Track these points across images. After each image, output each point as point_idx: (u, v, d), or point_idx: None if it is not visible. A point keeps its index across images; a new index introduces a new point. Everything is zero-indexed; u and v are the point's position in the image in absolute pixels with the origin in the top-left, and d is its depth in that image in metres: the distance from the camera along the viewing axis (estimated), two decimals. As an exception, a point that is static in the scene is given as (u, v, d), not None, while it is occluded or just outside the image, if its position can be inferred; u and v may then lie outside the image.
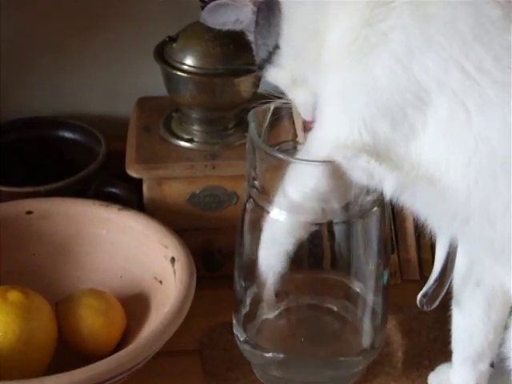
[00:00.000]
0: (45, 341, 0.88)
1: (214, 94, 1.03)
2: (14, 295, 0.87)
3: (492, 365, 0.87)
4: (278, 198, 0.83)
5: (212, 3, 0.83)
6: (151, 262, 0.96)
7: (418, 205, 0.77)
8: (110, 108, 1.24)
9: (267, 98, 0.86)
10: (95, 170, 1.07)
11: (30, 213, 1.00)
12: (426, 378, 0.93)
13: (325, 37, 0.75)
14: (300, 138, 0.89)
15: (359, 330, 0.94)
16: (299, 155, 0.82)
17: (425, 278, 0.88)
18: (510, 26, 0.70)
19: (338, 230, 0.88)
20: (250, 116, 0.87)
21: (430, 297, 0.86)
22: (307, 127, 0.84)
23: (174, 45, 1.04)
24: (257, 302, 0.93)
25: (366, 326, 0.93)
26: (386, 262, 0.92)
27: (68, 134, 1.17)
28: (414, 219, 1.03)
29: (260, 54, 0.81)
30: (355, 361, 0.92)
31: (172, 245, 0.94)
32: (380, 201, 0.86)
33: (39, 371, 0.87)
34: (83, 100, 1.24)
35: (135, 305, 0.95)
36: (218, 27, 0.84)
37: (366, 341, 0.93)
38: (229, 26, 0.83)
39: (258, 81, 1.02)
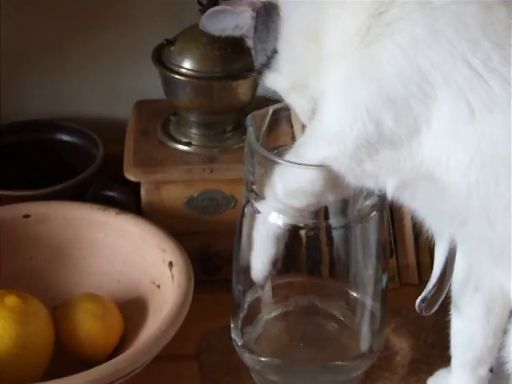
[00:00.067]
0: (42, 345, 0.87)
1: (212, 97, 1.03)
2: (11, 300, 0.87)
3: (491, 370, 0.87)
4: (268, 198, 0.83)
5: (211, 9, 0.83)
6: (149, 267, 0.96)
7: (418, 204, 0.77)
8: (107, 111, 1.24)
9: (266, 101, 0.86)
10: (93, 174, 1.06)
11: (27, 216, 0.99)
12: (425, 383, 0.93)
13: (326, 33, 0.75)
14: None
15: (358, 335, 0.93)
16: (295, 147, 0.81)
17: (423, 282, 0.88)
18: None
19: (336, 234, 0.88)
20: (248, 120, 0.86)
21: (429, 302, 0.85)
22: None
23: (172, 48, 1.04)
24: (255, 306, 0.93)
25: (365, 330, 0.93)
26: (385, 267, 0.92)
27: (65, 137, 1.16)
28: (412, 223, 1.03)
29: (259, 60, 0.81)
30: (353, 365, 0.92)
31: (170, 249, 0.94)
32: (379, 205, 0.86)
33: (36, 376, 0.86)
34: (81, 103, 1.23)
35: (133, 309, 0.95)
36: (217, 34, 0.83)
37: (364, 345, 0.92)
38: (228, 33, 0.83)
39: (256, 84, 1.02)
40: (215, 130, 1.07)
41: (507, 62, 0.69)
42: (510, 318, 0.82)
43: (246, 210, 0.88)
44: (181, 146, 1.06)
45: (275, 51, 0.78)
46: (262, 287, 0.92)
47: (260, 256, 0.85)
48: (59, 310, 0.91)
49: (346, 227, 0.87)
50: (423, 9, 0.71)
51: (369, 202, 0.85)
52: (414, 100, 0.71)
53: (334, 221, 0.87)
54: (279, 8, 0.78)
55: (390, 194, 0.76)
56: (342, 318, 0.95)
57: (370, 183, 0.77)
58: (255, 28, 0.81)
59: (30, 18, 1.17)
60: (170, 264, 0.93)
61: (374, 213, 0.86)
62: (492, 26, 0.70)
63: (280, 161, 0.81)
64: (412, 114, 0.71)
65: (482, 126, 0.69)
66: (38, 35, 1.19)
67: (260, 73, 0.81)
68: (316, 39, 0.76)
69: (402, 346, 0.98)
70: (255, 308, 0.93)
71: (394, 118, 0.72)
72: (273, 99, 0.84)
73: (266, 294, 0.93)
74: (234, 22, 0.81)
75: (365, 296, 0.92)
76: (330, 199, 0.81)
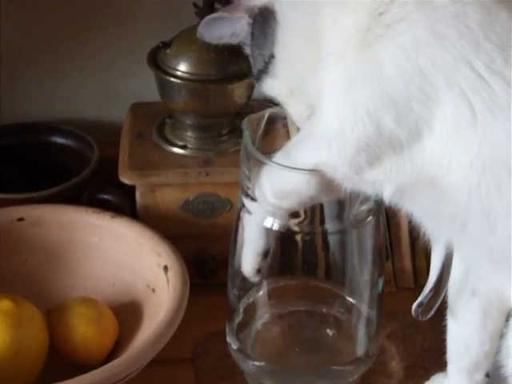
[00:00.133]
0: (36, 350, 0.87)
1: (207, 100, 1.03)
2: (4, 303, 0.86)
3: (487, 375, 0.87)
4: (258, 198, 0.83)
5: (207, 17, 0.82)
6: (144, 270, 0.95)
7: (416, 208, 0.76)
8: (103, 114, 1.23)
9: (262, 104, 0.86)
10: (88, 177, 1.06)
11: (21, 220, 0.99)
12: (421, 388, 0.93)
13: (324, 34, 0.75)
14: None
15: (353, 339, 0.93)
16: (287, 147, 0.80)
17: (419, 286, 0.88)
18: None
19: (332, 239, 0.88)
20: (244, 123, 0.86)
21: (426, 306, 0.85)
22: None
23: (168, 50, 1.04)
24: (250, 310, 0.92)
25: (361, 334, 0.93)
26: (381, 271, 0.91)
27: (60, 140, 1.16)
28: (408, 227, 1.03)
29: (257, 66, 0.81)
30: (349, 370, 0.92)
31: (165, 253, 0.94)
32: (375, 210, 0.86)
33: (30, 381, 0.86)
34: (76, 105, 1.23)
35: (128, 313, 0.94)
36: (214, 42, 0.83)
37: (360, 349, 0.92)
38: (225, 40, 0.83)
39: (252, 87, 1.02)
40: (211, 133, 1.07)
41: (508, 63, 0.69)
42: (506, 322, 0.82)
43: (241, 213, 0.87)
44: (176, 149, 1.05)
45: (272, 56, 0.78)
46: (258, 290, 0.91)
47: (250, 247, 0.85)
48: (54, 313, 0.91)
49: (342, 232, 0.87)
50: (423, 9, 0.71)
51: (365, 207, 0.85)
52: (416, 102, 0.70)
53: (329, 226, 0.86)
54: (276, 13, 0.78)
55: (388, 198, 0.75)
56: (338, 322, 0.94)
57: (366, 188, 0.76)
58: (252, 34, 0.80)
59: (30, 17, 1.17)
60: (165, 268, 0.93)
61: (370, 218, 0.86)
62: (492, 28, 0.70)
63: (276, 164, 0.80)
64: (413, 115, 0.71)
65: (484, 129, 0.69)
66: (38, 36, 1.18)
67: (258, 79, 0.81)
68: (314, 40, 0.75)
69: (398, 350, 0.98)
70: (251, 312, 0.93)
71: (394, 120, 0.71)
72: (272, 103, 0.84)
73: (262, 298, 0.92)
74: (231, 28, 0.81)
75: (361, 301, 0.92)
76: (323, 200, 0.81)
